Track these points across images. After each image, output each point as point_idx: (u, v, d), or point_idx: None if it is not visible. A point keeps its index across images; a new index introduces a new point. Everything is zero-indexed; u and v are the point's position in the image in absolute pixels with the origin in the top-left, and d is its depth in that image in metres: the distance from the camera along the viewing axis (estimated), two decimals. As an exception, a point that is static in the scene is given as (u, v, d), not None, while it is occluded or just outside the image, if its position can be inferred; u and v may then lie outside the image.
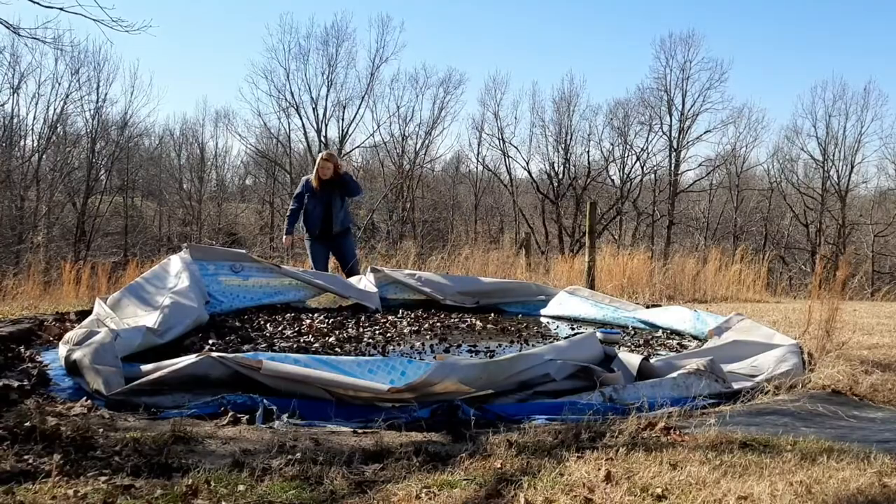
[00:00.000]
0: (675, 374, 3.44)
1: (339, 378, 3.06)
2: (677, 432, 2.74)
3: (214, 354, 3.13)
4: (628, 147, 29.44)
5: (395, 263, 9.93)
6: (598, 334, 4.25)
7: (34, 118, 24.80)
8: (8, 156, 23.14)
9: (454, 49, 47.14)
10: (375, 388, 2.98)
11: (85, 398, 3.01)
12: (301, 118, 28.13)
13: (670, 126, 28.70)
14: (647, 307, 6.24)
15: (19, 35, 7.01)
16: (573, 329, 5.56)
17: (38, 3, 6.02)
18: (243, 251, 6.30)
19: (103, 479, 2.08)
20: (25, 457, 2.23)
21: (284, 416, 2.85)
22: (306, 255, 7.03)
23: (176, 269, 5.17)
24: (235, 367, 3.06)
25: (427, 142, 29.94)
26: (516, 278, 9.09)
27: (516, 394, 3.25)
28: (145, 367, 3.21)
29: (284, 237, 7.04)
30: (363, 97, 28.33)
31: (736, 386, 3.52)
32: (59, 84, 24.27)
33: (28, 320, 4.73)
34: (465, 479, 2.19)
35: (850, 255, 21.03)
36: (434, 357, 4.07)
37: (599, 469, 2.25)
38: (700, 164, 29.57)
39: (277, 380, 3.06)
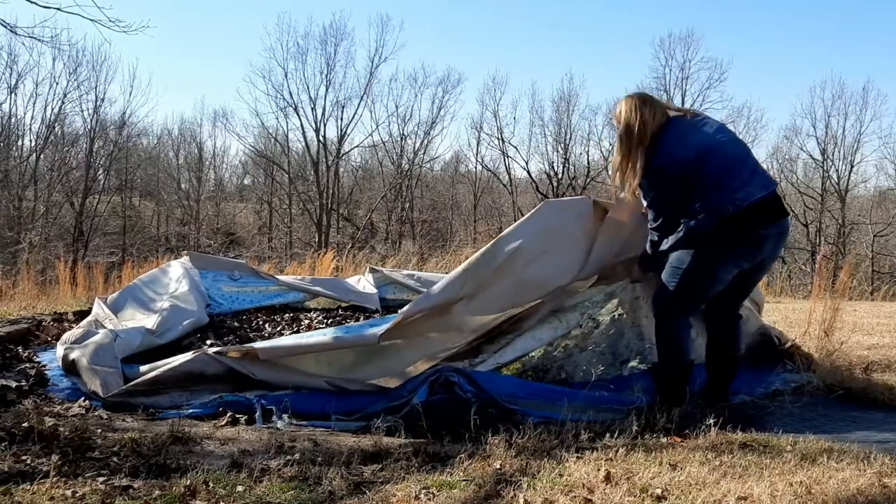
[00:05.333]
0: None
1: (331, 340, 3.17)
2: (677, 433, 2.73)
3: (210, 351, 3.12)
4: (628, 147, 29.39)
5: (395, 264, 9.92)
6: None
7: (32, 118, 24.70)
8: (6, 156, 23.09)
9: (453, 48, 47.16)
10: (367, 337, 3.13)
11: (83, 399, 3.02)
12: (299, 118, 28.12)
13: (669, 126, 28.63)
14: None
15: (16, 34, 7.00)
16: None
17: (35, 3, 6.01)
18: (243, 262, 6.32)
19: (101, 479, 2.08)
20: (23, 457, 2.22)
21: (284, 417, 2.84)
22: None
23: (176, 274, 5.20)
24: (231, 363, 3.06)
25: (426, 141, 29.99)
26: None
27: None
28: (143, 368, 3.20)
29: None
30: (362, 97, 28.35)
31: None
32: (57, 83, 24.16)
33: (26, 320, 4.71)
34: (464, 480, 2.18)
35: (852, 255, 21.05)
36: None
37: (599, 469, 2.24)
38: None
39: (273, 370, 3.08)
